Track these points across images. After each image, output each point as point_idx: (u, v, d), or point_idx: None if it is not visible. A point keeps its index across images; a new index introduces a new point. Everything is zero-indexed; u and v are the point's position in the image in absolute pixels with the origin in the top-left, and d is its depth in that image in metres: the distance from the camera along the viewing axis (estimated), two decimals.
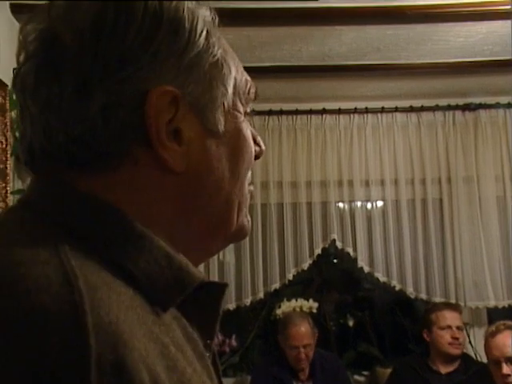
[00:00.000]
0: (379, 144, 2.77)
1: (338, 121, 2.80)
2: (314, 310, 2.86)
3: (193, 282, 0.42)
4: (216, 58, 0.46)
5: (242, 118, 0.48)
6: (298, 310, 2.77)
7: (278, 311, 2.87)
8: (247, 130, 0.49)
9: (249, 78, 0.51)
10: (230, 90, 0.47)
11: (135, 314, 0.37)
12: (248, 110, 0.51)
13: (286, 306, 2.82)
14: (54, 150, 0.42)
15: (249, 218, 0.52)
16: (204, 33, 0.45)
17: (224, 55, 0.48)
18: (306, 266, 2.76)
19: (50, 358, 0.31)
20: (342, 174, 2.79)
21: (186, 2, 0.46)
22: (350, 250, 2.73)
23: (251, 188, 0.52)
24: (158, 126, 0.42)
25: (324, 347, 2.85)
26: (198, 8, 0.47)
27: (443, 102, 2.78)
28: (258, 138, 0.53)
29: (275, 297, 2.97)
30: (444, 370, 2.48)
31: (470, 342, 2.71)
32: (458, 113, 2.78)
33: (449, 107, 2.78)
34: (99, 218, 0.41)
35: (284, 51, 2.32)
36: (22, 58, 0.45)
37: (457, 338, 2.50)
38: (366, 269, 2.72)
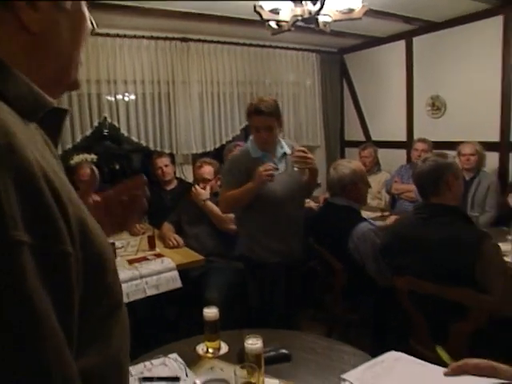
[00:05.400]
0: (135, 57, 3.58)
1: (110, 42, 3.50)
2: (95, 160, 3.62)
3: (48, 105, 0.52)
4: None
5: (83, 3, 0.57)
6: (84, 159, 3.52)
7: (72, 161, 3.49)
8: (86, 12, 0.57)
9: None
10: None
11: (14, 118, 0.45)
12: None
13: (77, 158, 3.54)
14: None
15: (80, 76, 0.60)
16: None
17: None
18: (89, 133, 3.53)
19: None
20: (109, 75, 3.52)
21: None
22: (116, 123, 3.61)
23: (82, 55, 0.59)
24: None
25: (103, 182, 3.47)
26: None
27: (172, 35, 3.73)
28: (92, 18, 0.59)
29: (70, 151, 3.56)
30: (168, 188, 3.51)
31: (183, 174, 3.90)
32: (178, 42, 3.78)
33: (173, 38, 3.74)
34: None
35: None
36: None
37: (166, 172, 3.43)
38: (126, 134, 3.66)
